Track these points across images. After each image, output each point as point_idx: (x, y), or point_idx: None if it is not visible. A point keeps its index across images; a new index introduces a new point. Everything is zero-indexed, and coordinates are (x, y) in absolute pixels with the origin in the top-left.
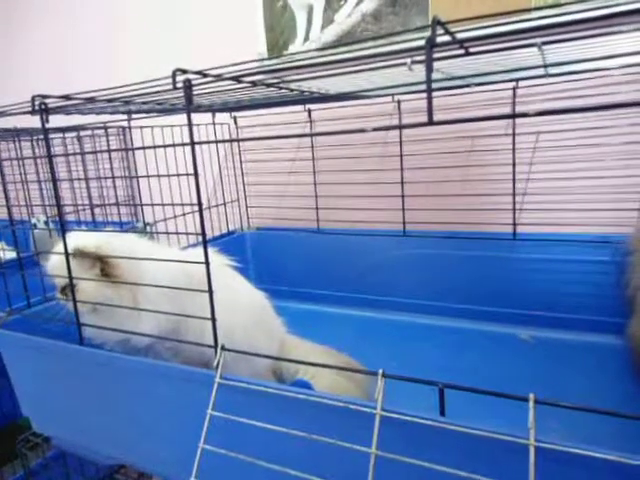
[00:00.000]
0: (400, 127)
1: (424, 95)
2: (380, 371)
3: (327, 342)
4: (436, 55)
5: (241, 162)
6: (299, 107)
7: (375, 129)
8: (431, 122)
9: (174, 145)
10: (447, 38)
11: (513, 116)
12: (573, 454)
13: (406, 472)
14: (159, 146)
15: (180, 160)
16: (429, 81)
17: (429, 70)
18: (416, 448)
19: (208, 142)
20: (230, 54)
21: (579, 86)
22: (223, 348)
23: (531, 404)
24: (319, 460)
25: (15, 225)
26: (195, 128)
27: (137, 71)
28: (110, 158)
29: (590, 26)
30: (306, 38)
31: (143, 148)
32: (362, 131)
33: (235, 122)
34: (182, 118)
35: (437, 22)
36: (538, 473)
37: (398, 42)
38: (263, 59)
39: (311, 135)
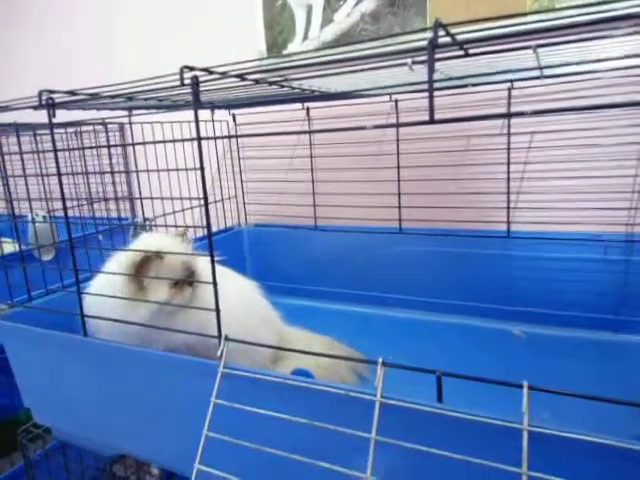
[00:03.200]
0: (401, 125)
1: (420, 95)
2: (380, 360)
3: None
4: (437, 56)
5: (239, 159)
6: (298, 105)
7: (376, 126)
8: (432, 120)
9: (181, 140)
10: (447, 39)
11: (510, 115)
12: (564, 438)
13: (405, 456)
14: (165, 141)
15: (180, 157)
16: (431, 81)
17: (431, 70)
18: (414, 434)
19: (215, 137)
20: (230, 52)
21: (572, 88)
22: (227, 338)
23: (525, 391)
24: (321, 445)
25: (16, 219)
26: (193, 125)
27: (137, 68)
28: (110, 154)
29: (582, 30)
30: (305, 37)
31: (146, 143)
32: (363, 128)
33: (234, 119)
34: (182, 115)
35: (439, 24)
36: (532, 457)
37: (397, 43)
38: (264, 58)
39: (310, 132)
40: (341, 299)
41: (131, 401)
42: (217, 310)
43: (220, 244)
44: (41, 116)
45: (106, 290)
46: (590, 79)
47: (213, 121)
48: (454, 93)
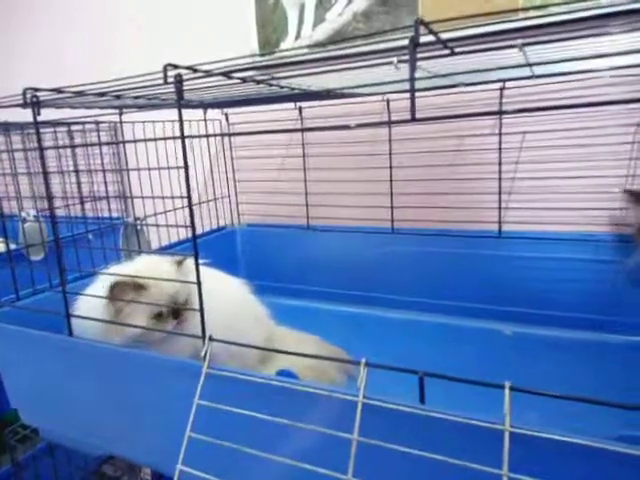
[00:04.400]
0: (384, 123)
1: (417, 94)
2: (363, 360)
3: None
4: (421, 55)
5: (232, 158)
6: (290, 105)
7: (359, 125)
8: (414, 119)
9: (164, 139)
10: (431, 38)
11: (490, 113)
12: (546, 439)
13: (387, 457)
14: (148, 139)
15: (171, 156)
16: (412, 79)
17: (412, 69)
18: (397, 434)
19: (198, 136)
20: (222, 51)
21: (566, 87)
22: (211, 339)
23: (507, 391)
24: (303, 446)
25: (4, 219)
26: (187, 124)
27: (129, 67)
28: (101, 153)
29: (569, 28)
30: (297, 36)
31: (132, 141)
32: (347, 127)
33: (227, 119)
34: (174, 113)
35: (420, 22)
36: (513, 458)
37: (387, 41)
38: (251, 55)
39: (295, 131)
40: (333, 299)
41: (117, 401)
42: (201, 310)
43: (213, 244)
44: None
45: (91, 305)
46: (585, 79)
47: (205, 120)
48: (446, 93)
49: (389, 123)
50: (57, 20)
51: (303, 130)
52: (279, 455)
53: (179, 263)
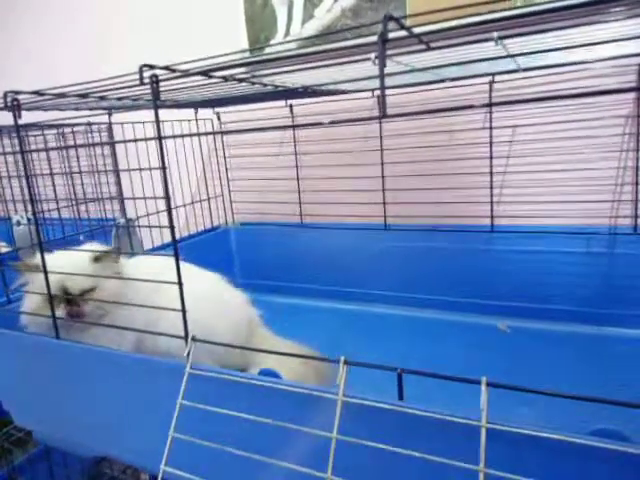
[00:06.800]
0: (355, 120)
1: (404, 90)
2: (342, 358)
3: (310, 334)
4: (396, 51)
5: (225, 157)
6: (281, 103)
7: (332, 122)
8: (385, 115)
9: (136, 140)
10: (404, 33)
11: (461, 107)
12: (523, 435)
13: (366, 454)
14: (126, 141)
15: (172, 157)
16: (382, 76)
17: (382, 65)
18: (376, 432)
19: (174, 136)
20: (211, 49)
21: (555, 80)
22: (194, 339)
23: (483, 387)
24: (284, 445)
25: None
26: (177, 124)
27: (121, 67)
28: (95, 154)
29: (546, 18)
30: (287, 33)
31: (110, 143)
32: (320, 124)
33: (218, 118)
34: (167, 113)
35: (389, 17)
36: (492, 455)
37: (370, 35)
38: (234, 53)
39: (277, 129)
40: (328, 296)
41: (104, 403)
42: (183, 310)
43: (207, 243)
44: (25, 117)
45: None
46: (575, 71)
47: (197, 120)
48: (434, 88)
49: (360, 120)
50: (53, 21)
51: (276, 128)
52: (260, 454)
53: (96, 259)
